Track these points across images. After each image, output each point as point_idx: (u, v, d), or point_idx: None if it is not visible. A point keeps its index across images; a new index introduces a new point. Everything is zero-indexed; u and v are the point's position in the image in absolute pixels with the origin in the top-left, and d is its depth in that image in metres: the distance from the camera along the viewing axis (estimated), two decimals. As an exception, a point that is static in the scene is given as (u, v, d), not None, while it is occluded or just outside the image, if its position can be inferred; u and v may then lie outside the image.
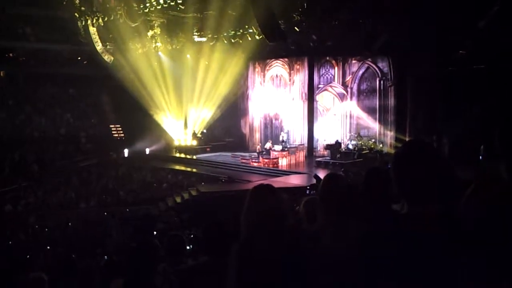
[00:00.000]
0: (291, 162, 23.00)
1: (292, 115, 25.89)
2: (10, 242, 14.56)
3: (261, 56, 25.71)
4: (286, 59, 26.20)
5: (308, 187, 14.87)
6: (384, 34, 18.79)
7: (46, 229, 16.20)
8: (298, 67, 25.71)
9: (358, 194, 3.00)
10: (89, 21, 24.24)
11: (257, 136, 27.60)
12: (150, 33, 24.90)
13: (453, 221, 1.80)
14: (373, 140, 23.23)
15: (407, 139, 19.38)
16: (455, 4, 15.67)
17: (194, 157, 26.43)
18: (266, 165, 22.51)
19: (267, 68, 27.26)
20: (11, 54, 27.89)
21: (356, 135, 23.74)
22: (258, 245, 2.47)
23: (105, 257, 9.46)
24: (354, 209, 2.72)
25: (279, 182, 18.50)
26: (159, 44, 25.59)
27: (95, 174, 23.21)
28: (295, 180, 19.33)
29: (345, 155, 22.07)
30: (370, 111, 23.95)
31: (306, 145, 24.83)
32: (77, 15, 24.23)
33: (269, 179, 19.17)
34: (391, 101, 22.93)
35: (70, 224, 16.77)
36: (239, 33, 22.61)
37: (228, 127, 30.61)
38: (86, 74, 28.60)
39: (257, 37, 21.82)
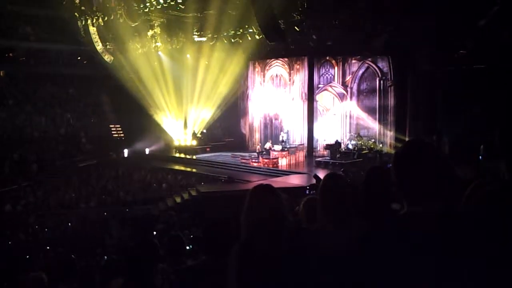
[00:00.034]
0: (291, 162, 23.00)
1: (292, 115, 25.89)
2: (10, 242, 14.58)
3: (261, 56, 25.72)
4: (286, 59, 26.21)
5: (308, 187, 14.86)
6: (384, 33, 18.80)
7: (46, 229, 16.23)
8: (298, 67, 25.72)
9: (358, 193, 3.00)
10: (89, 21, 24.26)
11: (257, 136, 27.60)
12: (150, 32, 24.90)
13: (453, 220, 1.79)
14: (373, 140, 23.25)
15: (407, 139, 19.37)
16: (455, 4, 15.66)
17: (194, 157, 26.43)
18: (266, 165, 22.51)
19: (267, 68, 27.26)
20: (11, 54, 27.90)
21: (356, 135, 23.76)
22: (258, 245, 2.47)
23: (105, 257, 9.46)
24: (354, 209, 2.72)
25: (279, 182, 18.50)
26: (159, 44, 25.60)
27: (95, 174, 23.22)
28: (295, 180, 19.32)
29: (345, 155, 22.07)
30: (370, 111, 23.96)
31: (306, 145, 24.82)
32: (77, 15, 24.24)
33: (269, 179, 19.18)
34: (391, 101, 22.94)
35: (70, 224, 16.79)
36: (239, 32, 22.60)
37: (228, 127, 30.62)
38: (86, 74, 28.64)
39: (257, 37, 21.82)
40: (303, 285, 2.39)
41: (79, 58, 29.44)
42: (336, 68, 25.13)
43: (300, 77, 25.58)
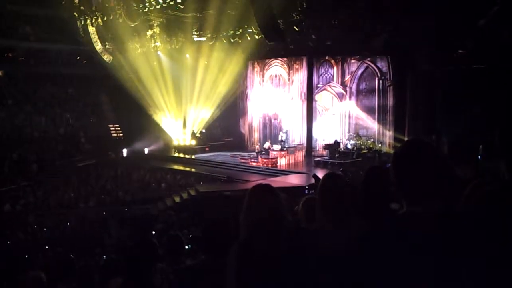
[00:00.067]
0: (290, 161, 23.00)
1: (291, 115, 25.91)
2: (9, 242, 14.57)
3: (260, 55, 25.71)
4: (285, 59, 26.22)
5: (307, 187, 14.89)
6: (383, 33, 18.80)
7: (45, 229, 16.23)
8: (297, 66, 25.73)
9: (357, 193, 3.00)
10: (88, 21, 24.26)
11: (256, 135, 27.61)
12: (149, 32, 24.90)
13: (452, 220, 1.79)
14: (372, 140, 23.26)
15: (406, 138, 19.39)
16: (454, 4, 15.67)
17: (193, 157, 26.42)
18: (265, 165, 22.51)
19: (266, 67, 27.27)
20: (10, 54, 27.88)
21: (355, 135, 23.77)
22: (257, 245, 2.47)
23: (104, 256, 9.46)
24: (353, 208, 2.71)
25: (278, 181, 18.50)
26: (158, 44, 25.60)
27: (94, 174, 23.21)
28: (294, 180, 19.32)
29: (344, 155, 22.08)
30: (369, 110, 23.98)
31: (305, 144, 24.81)
32: (77, 15, 24.23)
33: (268, 179, 19.19)
34: (390, 101, 22.96)
35: (69, 223, 16.79)
36: (238, 32, 22.60)
37: (227, 127, 30.62)
38: (85, 74, 28.63)
39: (256, 37, 21.82)
40: (302, 284, 2.39)
41: (78, 58, 29.45)
42: (335, 68, 25.15)
43: (299, 76, 25.59)
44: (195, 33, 24.16)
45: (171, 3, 21.64)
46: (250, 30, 21.96)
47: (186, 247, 5.67)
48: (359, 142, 23.14)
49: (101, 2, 23.64)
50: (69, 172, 23.12)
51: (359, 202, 2.88)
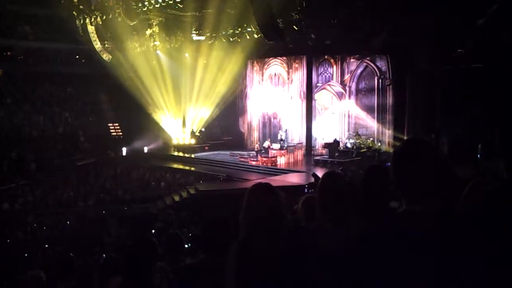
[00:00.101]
0: (290, 160, 22.98)
1: (291, 114, 25.90)
2: (8, 241, 14.57)
3: (260, 54, 25.71)
4: (284, 58, 26.21)
5: (306, 186, 14.91)
6: (382, 32, 18.80)
7: (44, 228, 16.23)
8: (296, 65, 25.72)
9: (357, 192, 3.00)
10: (87, 20, 24.23)
11: (256, 134, 27.60)
12: (148, 31, 24.89)
13: (452, 219, 1.79)
14: (371, 139, 23.26)
15: (405, 138, 19.37)
16: (454, 3, 15.66)
17: (193, 155, 26.41)
18: (264, 164, 22.51)
19: (266, 66, 27.27)
20: (9, 53, 27.85)
21: (354, 134, 23.77)
22: (256, 243, 2.47)
23: (103, 255, 9.46)
24: (352, 207, 2.72)
25: (277, 180, 18.51)
26: (157, 43, 25.59)
27: (93, 173, 23.20)
28: (293, 179, 19.33)
29: (343, 154, 22.08)
30: (368, 109, 23.98)
31: (304, 143, 24.79)
32: (76, 14, 24.21)
33: (268, 178, 19.19)
34: (390, 100, 22.97)
35: (68, 222, 16.78)
36: (237, 31, 22.62)
37: (226, 125, 30.61)
38: (84, 73, 28.59)
39: (255, 36, 21.84)
40: (301, 283, 2.39)
41: (77, 57, 29.41)
42: (334, 67, 25.14)
43: (299, 76, 25.59)
44: (195, 32, 24.16)
45: (170, 2, 21.64)
46: (249, 29, 21.98)
47: (186, 246, 5.67)
48: (359, 141, 23.14)
49: (100, 1, 23.63)
50: (68, 171, 23.11)
51: (358, 201, 2.89)
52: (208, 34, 23.54)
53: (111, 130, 28.99)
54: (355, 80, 24.58)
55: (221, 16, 21.66)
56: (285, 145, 23.30)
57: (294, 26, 20.10)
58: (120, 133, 28.90)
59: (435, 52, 18.42)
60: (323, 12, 19.56)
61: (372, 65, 23.70)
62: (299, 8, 19.63)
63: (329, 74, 25.35)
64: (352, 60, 24.65)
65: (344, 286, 2.08)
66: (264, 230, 2.49)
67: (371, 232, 1.95)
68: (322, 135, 24.96)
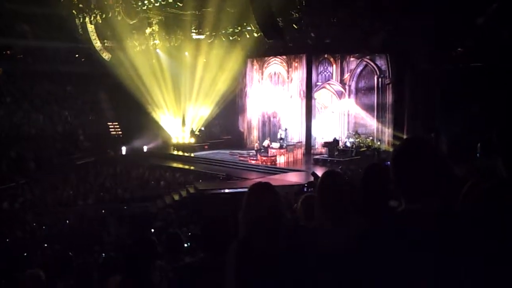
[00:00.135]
0: (289, 159, 22.98)
1: (290, 113, 25.91)
2: (7, 240, 14.56)
3: (259, 53, 25.71)
4: (284, 57, 26.21)
5: (306, 185, 14.88)
6: (382, 31, 18.80)
7: (44, 227, 16.21)
8: (296, 64, 25.73)
9: (356, 191, 3.00)
10: (87, 19, 24.20)
11: (255, 133, 27.60)
12: (148, 30, 24.88)
13: (451, 218, 1.80)
14: (370, 138, 23.27)
15: (404, 137, 19.40)
16: (454, 3, 15.66)
17: (192, 154, 26.41)
18: (264, 163, 22.50)
19: (265, 65, 27.27)
20: (8, 52, 27.81)
21: (354, 133, 23.76)
22: (256, 242, 2.47)
23: (103, 254, 9.47)
24: (352, 206, 2.72)
25: (277, 179, 18.51)
26: (157, 42, 25.58)
27: (92, 172, 23.19)
28: (293, 178, 19.33)
29: (342, 153, 22.09)
30: (368, 108, 23.99)
31: (304, 142, 24.81)
32: (75, 13, 24.17)
33: (267, 177, 19.18)
34: (389, 99, 22.97)
35: (67, 221, 16.78)
36: (237, 30, 22.62)
37: (226, 124, 30.61)
38: (84, 72, 28.53)
39: (255, 35, 21.83)
40: (301, 282, 2.40)
41: (76, 55, 29.35)
42: (334, 66, 25.13)
43: (298, 74, 25.59)
44: (194, 31, 24.16)
45: (170, 0, 21.63)
46: (249, 28, 21.97)
47: (185, 245, 5.67)
48: (358, 140, 23.14)
49: (100, -1, 23.62)
50: (67, 169, 23.08)
51: (358, 200, 2.88)
52: (208, 33, 23.53)
53: (111, 129, 28.98)
54: (354, 79, 24.58)
55: (220, 14, 21.66)
56: (285, 144, 23.29)
57: (293, 25, 20.09)
58: (120, 132, 28.89)
59: (434, 52, 18.42)
60: (322, 10, 19.57)
61: (372, 64, 23.70)
62: (298, 6, 19.63)
63: (328, 73, 25.34)
64: (351, 59, 24.64)
65: (343, 285, 2.08)
66: (264, 229, 2.49)
67: (371, 231, 1.95)
68: (322, 134, 24.96)
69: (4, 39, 26.19)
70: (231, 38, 23.16)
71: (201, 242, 3.31)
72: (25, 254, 12.21)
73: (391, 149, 21.14)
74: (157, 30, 24.83)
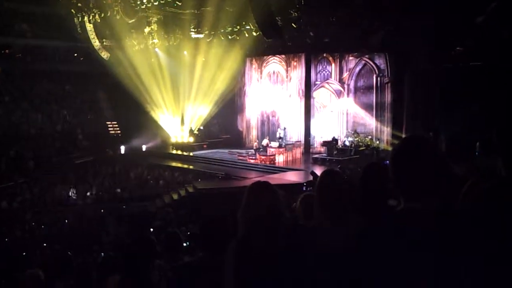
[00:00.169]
0: (288, 159, 23.00)
1: (289, 112, 25.91)
2: (6, 239, 14.55)
3: (258, 52, 25.71)
4: (283, 56, 26.21)
5: (305, 184, 14.91)
6: (381, 30, 18.80)
7: (43, 226, 16.21)
8: (295, 63, 25.73)
9: (355, 190, 3.00)
10: (85, 18, 24.17)
11: (254, 133, 27.61)
12: (147, 29, 24.84)
13: (450, 217, 1.79)
14: (369, 137, 23.28)
15: (403, 136, 19.39)
16: (453, 3, 15.66)
17: (191, 154, 26.42)
18: (263, 162, 22.50)
19: (264, 64, 27.26)
20: (7, 51, 27.79)
21: (352, 132, 23.76)
22: (255, 241, 2.47)
23: (102, 253, 9.47)
24: (351, 205, 2.71)
25: (276, 178, 18.50)
26: (156, 41, 25.55)
27: (91, 171, 23.18)
28: (292, 177, 19.34)
29: (341, 152, 22.09)
30: (367, 107, 23.99)
31: (303, 142, 24.83)
32: (74, 12, 24.14)
33: (266, 176, 19.17)
34: (388, 98, 22.97)
35: (66, 221, 16.77)
36: (236, 29, 22.61)
37: (225, 123, 30.62)
38: (82, 71, 28.54)
39: (254, 34, 21.83)
40: (300, 281, 2.39)
41: (75, 55, 29.36)
42: (333, 65, 25.13)
43: (297, 74, 25.58)
44: (193, 30, 24.14)
45: (168, 0, 21.62)
46: (248, 27, 21.97)
47: (184, 244, 5.67)
48: (357, 139, 23.15)
49: (99, -2, 23.59)
50: (66, 169, 23.08)
51: (357, 199, 2.88)
52: (206, 32, 23.52)
53: (110, 128, 28.98)
54: (353, 78, 24.58)
55: (219, 14, 21.65)
56: (284, 143, 23.30)
57: (292, 24, 20.09)
58: (119, 131, 28.88)
59: (434, 51, 18.43)
60: (321, 10, 19.57)
61: (371, 63, 23.70)
62: (297, 6, 19.63)
63: (327, 72, 25.35)
64: (350, 58, 24.65)
65: (342, 284, 2.08)
66: (263, 228, 2.49)
67: (370, 230, 1.95)
68: (321, 133, 24.96)
69: (3, 38, 26.22)
70: (230, 37, 23.16)
71: (200, 241, 3.31)
72: (24, 253, 12.21)
73: (390, 148, 21.16)
74: (156, 29, 24.80)
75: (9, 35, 26.54)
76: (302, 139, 24.97)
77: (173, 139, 28.43)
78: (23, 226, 15.85)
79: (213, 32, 23.37)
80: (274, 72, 27.08)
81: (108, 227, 15.50)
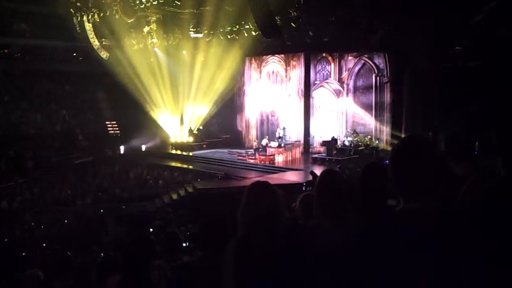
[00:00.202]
0: (288, 158, 23.00)
1: (289, 112, 25.91)
2: (6, 239, 14.55)
3: (258, 52, 25.70)
4: (282, 55, 26.21)
5: (304, 184, 14.90)
6: (380, 30, 18.80)
7: (42, 226, 16.20)
8: (294, 63, 25.72)
9: (355, 190, 3.00)
10: (84, 17, 24.14)
11: (254, 132, 27.61)
12: (146, 29, 24.80)
13: (450, 217, 1.79)
14: (369, 137, 23.27)
15: (403, 135, 19.40)
16: (452, 1, 15.67)
17: (190, 153, 26.41)
18: (262, 162, 22.50)
19: (264, 64, 27.25)
20: (6, 51, 27.77)
21: (352, 132, 23.76)
22: (254, 241, 2.47)
23: (101, 254, 9.46)
24: (350, 205, 2.71)
25: (275, 178, 18.50)
26: (155, 40, 25.52)
27: (91, 171, 23.17)
28: (291, 177, 19.34)
29: (341, 152, 22.09)
30: (366, 107, 23.98)
31: (302, 141, 24.84)
32: (73, 11, 24.12)
33: (266, 176, 19.17)
34: (387, 98, 22.97)
35: (66, 221, 16.76)
36: (235, 29, 22.59)
37: (224, 123, 30.60)
38: (82, 71, 28.52)
39: (253, 33, 21.81)
40: (299, 281, 2.39)
41: (74, 54, 29.33)
42: (332, 64, 25.12)
43: (297, 73, 25.59)
44: (192, 29, 24.12)
45: (168, -1, 21.64)
46: (247, 27, 21.95)
47: (184, 244, 5.67)
48: (356, 138, 23.15)
49: (98, -2, 23.57)
50: (66, 169, 23.08)
51: (356, 199, 2.88)
52: (206, 32, 23.50)
53: (109, 128, 28.95)
54: (352, 77, 24.57)
55: (219, 13, 21.62)
56: (283, 143, 23.31)
57: (292, 24, 20.09)
58: (118, 131, 28.85)
59: (433, 50, 18.43)
60: (321, 9, 19.56)
61: (370, 62, 23.69)
62: (297, 5, 19.62)
63: (327, 71, 25.34)
64: (350, 57, 24.63)
65: (342, 284, 2.08)
66: (262, 228, 2.48)
67: (369, 230, 1.95)
68: (320, 133, 24.95)
69: (2, 38, 26.19)
70: (229, 36, 23.14)
71: (200, 241, 3.31)
72: (24, 253, 12.20)
73: (389, 148, 21.17)
74: (155, 28, 24.76)
75: (8, 35, 26.52)
76: (302, 139, 24.98)
77: (172, 139, 28.41)
78: (22, 226, 15.84)
79: (212, 32, 23.35)
80: (273, 71, 27.08)
81: (107, 227, 15.49)
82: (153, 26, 24.64)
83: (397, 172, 1.92)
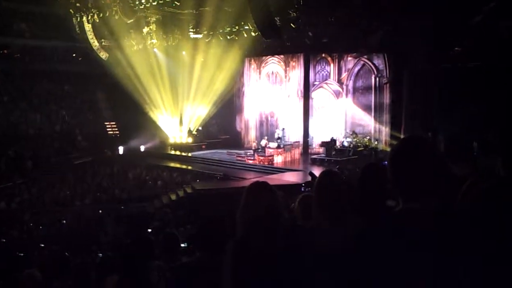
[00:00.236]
0: (287, 159, 23.00)
1: (288, 112, 25.89)
2: (4, 240, 14.52)
3: (257, 52, 25.72)
4: (282, 56, 26.19)
5: (303, 184, 14.88)
6: (380, 31, 18.81)
7: (41, 227, 16.17)
8: (294, 64, 25.71)
9: (354, 191, 2.99)
10: (84, 18, 24.16)
11: (253, 133, 27.59)
12: (145, 29, 24.83)
13: (449, 218, 1.79)
14: (368, 138, 23.24)
15: (402, 136, 19.40)
16: (452, 3, 15.68)
17: (190, 154, 26.39)
18: (261, 163, 22.49)
19: (263, 65, 27.24)
20: (6, 51, 27.76)
21: (351, 132, 23.73)
22: (253, 242, 2.46)
23: (100, 254, 9.45)
24: (349, 206, 2.71)
25: (274, 179, 18.50)
26: (154, 41, 25.54)
27: (90, 172, 23.16)
28: (290, 177, 19.33)
29: (340, 153, 22.08)
30: (365, 108, 23.96)
31: (301, 142, 24.84)
32: (72, 12, 24.13)
33: (265, 177, 19.15)
34: (387, 98, 22.95)
35: (65, 221, 16.74)
36: (235, 29, 22.61)
37: (223, 124, 30.59)
38: (81, 71, 28.54)
39: (253, 34, 21.83)
40: (298, 282, 2.39)
41: (74, 55, 29.34)
42: (332, 65, 25.10)
43: (296, 74, 25.58)
44: (192, 30, 24.12)
45: (167, 0, 21.61)
46: (246, 27, 21.97)
47: (182, 245, 5.66)
48: (356, 139, 23.12)
49: (97, -2, 23.58)
50: (65, 169, 23.08)
51: (355, 199, 2.88)
52: (205, 32, 23.52)
53: (108, 129, 28.95)
54: (352, 78, 24.56)
55: (218, 14, 21.65)
56: (282, 144, 23.29)
57: (291, 24, 20.10)
58: (117, 132, 28.85)
59: (433, 51, 18.44)
60: (320, 10, 19.58)
61: (369, 63, 23.67)
62: (296, 6, 19.64)
63: (326, 72, 25.32)
64: (349, 58, 24.61)
65: (341, 285, 2.07)
66: (261, 229, 2.48)
67: (368, 230, 1.95)
68: (319, 134, 24.93)
69: (1, 38, 26.19)
70: (228, 37, 23.16)
71: (198, 242, 3.30)
72: (23, 254, 12.17)
73: (388, 149, 21.16)
74: (154, 29, 24.79)
75: (7, 35, 26.52)
76: (301, 139, 24.98)
77: (171, 140, 28.40)
78: (21, 227, 15.82)
79: (211, 32, 23.37)
80: (272, 72, 27.06)
81: (106, 228, 15.48)
82: (153, 26, 24.67)
83: (396, 172, 1.91)
